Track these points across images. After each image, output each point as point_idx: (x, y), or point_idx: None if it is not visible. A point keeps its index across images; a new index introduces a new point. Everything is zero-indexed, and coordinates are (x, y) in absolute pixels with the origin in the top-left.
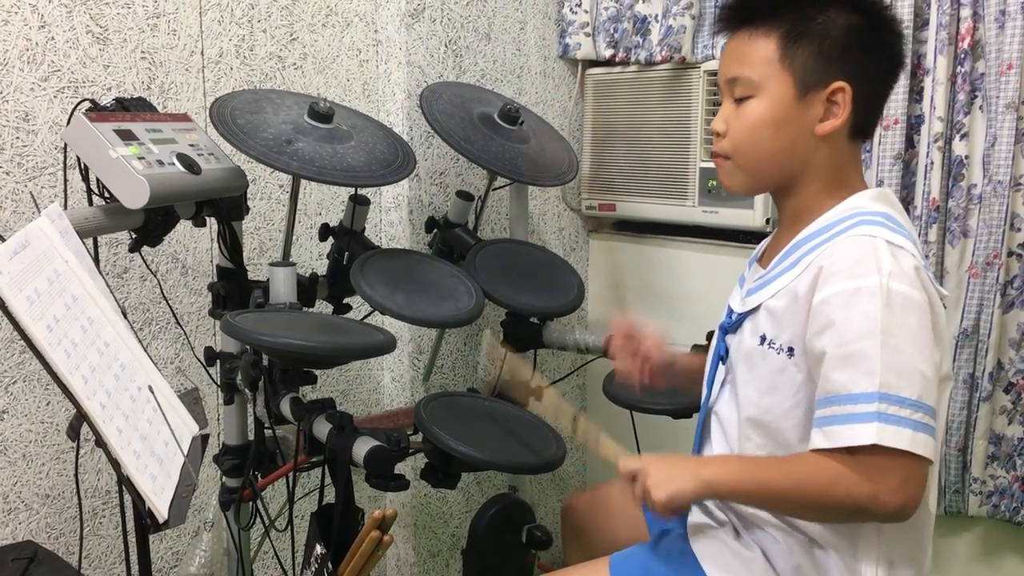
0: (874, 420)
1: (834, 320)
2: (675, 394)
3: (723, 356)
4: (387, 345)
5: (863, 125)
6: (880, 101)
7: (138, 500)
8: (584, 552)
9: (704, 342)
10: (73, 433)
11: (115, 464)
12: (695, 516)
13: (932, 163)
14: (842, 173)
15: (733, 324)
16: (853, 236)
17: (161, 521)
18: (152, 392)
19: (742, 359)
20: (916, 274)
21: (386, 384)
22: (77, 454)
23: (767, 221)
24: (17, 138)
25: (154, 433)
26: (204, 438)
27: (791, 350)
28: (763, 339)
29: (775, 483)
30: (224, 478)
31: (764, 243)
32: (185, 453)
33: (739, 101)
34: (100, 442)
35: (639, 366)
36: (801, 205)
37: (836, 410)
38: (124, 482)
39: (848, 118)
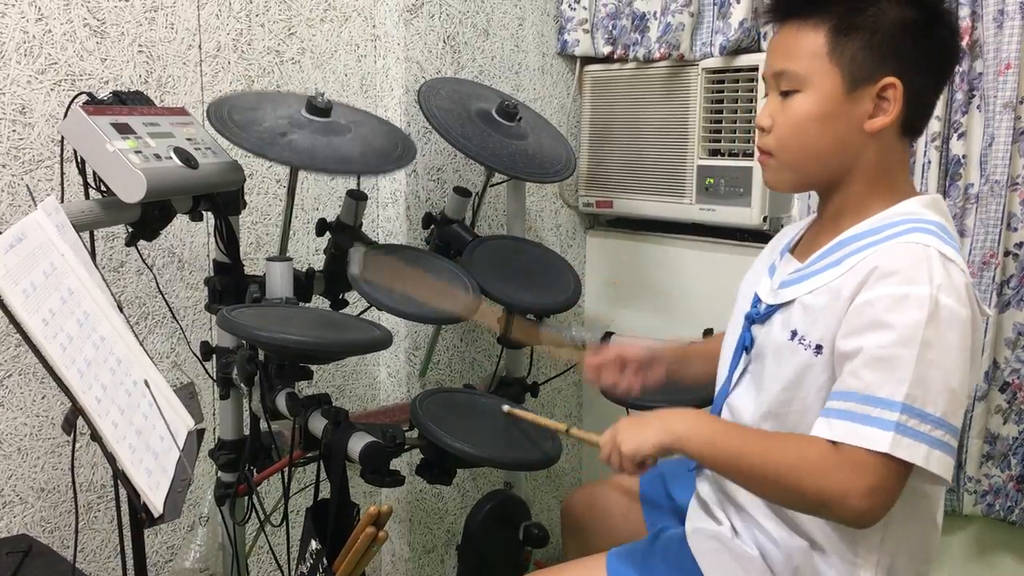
0: (892, 429)
1: (877, 321)
2: (671, 390)
3: (748, 346)
4: (383, 341)
5: (913, 123)
6: (931, 98)
7: (133, 494)
8: (583, 550)
9: (701, 340)
10: (68, 427)
11: (110, 458)
12: (693, 515)
13: (929, 162)
14: (890, 172)
15: (762, 315)
16: (907, 243)
17: (156, 515)
18: (148, 386)
19: (770, 352)
20: (965, 290)
21: (382, 380)
22: (73, 448)
23: (764, 219)
24: (14, 131)
25: (150, 427)
26: (200, 433)
27: (819, 348)
28: (794, 334)
29: (747, 452)
30: (220, 473)
31: (794, 232)
32: (181, 447)
33: (785, 96)
34: (95, 436)
35: (625, 373)
36: (845, 203)
37: (854, 407)
38: (119, 476)
39: (898, 115)
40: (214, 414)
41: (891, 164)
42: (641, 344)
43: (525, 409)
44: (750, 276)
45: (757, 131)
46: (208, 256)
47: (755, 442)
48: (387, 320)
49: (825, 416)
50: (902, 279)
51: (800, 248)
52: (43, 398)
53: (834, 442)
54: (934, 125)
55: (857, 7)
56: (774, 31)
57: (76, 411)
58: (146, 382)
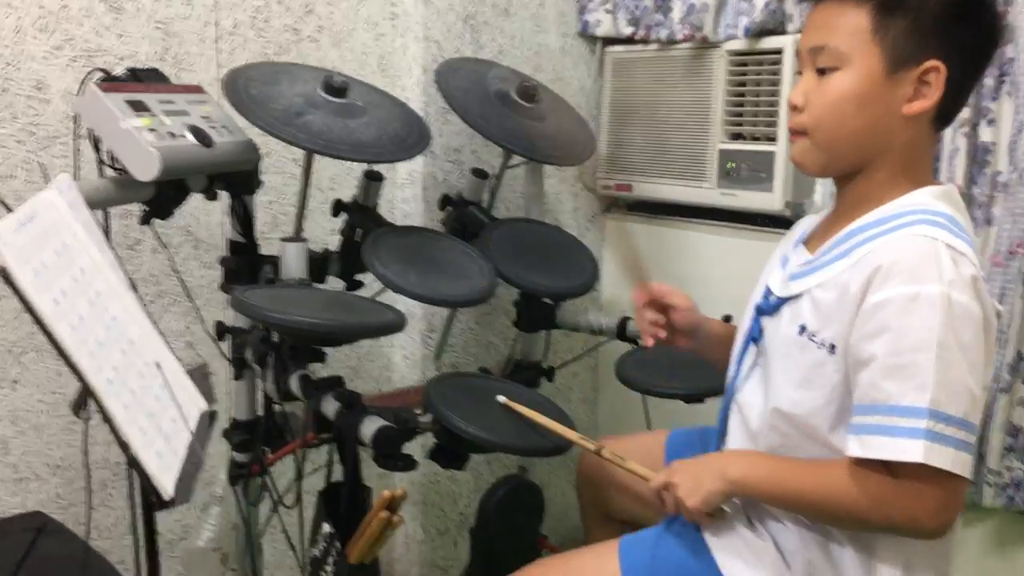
0: (922, 437)
1: (889, 326)
2: (688, 378)
3: (756, 338)
4: (397, 324)
5: (948, 110)
6: (970, 85)
7: (143, 478)
8: (599, 514)
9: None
10: (78, 409)
11: (120, 441)
12: None
13: (957, 149)
14: (916, 161)
15: (771, 307)
16: (913, 236)
17: (166, 499)
18: (159, 369)
19: (778, 346)
20: (974, 284)
21: (397, 362)
22: (86, 427)
23: (786, 205)
24: (30, 107)
25: (161, 410)
26: (212, 415)
27: (833, 347)
28: (803, 329)
29: (806, 490)
30: (233, 453)
31: (810, 223)
32: (192, 430)
33: (821, 73)
34: (106, 418)
35: (663, 320)
36: (866, 190)
37: (880, 420)
38: (130, 460)
39: (938, 101)
40: (228, 394)
41: (919, 152)
42: (693, 316)
43: (542, 406)
44: (767, 268)
45: (789, 110)
46: (223, 235)
47: (808, 475)
48: (402, 302)
49: (855, 434)
50: (910, 277)
51: (813, 239)
52: (59, 375)
53: (887, 466)
54: (963, 111)
55: None
56: (812, 6)
57: (86, 392)
58: (158, 364)
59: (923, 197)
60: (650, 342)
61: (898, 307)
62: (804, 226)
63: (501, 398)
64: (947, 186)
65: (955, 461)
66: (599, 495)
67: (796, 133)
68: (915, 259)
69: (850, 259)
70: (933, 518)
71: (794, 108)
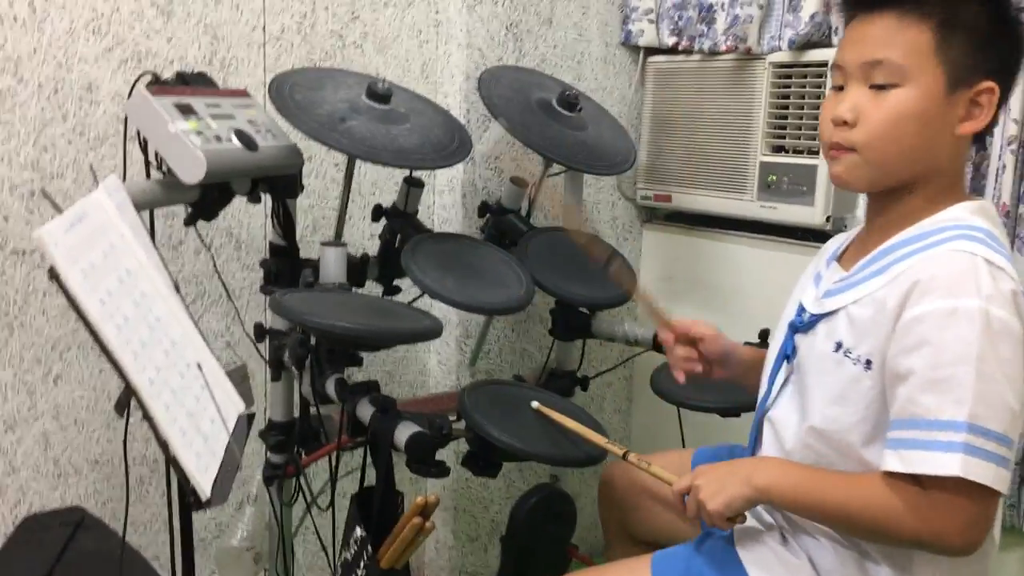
0: (960, 451)
1: (928, 340)
2: (723, 391)
3: (789, 355)
4: (433, 331)
5: (990, 127)
6: (1006, 101)
7: (182, 477)
8: (621, 528)
9: (756, 340)
10: (121, 408)
11: (161, 441)
12: None
13: (1004, 166)
14: (956, 177)
15: (806, 324)
16: (952, 251)
17: (204, 500)
18: (200, 370)
19: (813, 363)
20: (1014, 299)
21: (432, 367)
22: (127, 423)
23: (827, 219)
24: (80, 108)
25: (201, 410)
26: (250, 417)
27: (869, 363)
28: (839, 346)
29: (835, 501)
30: (269, 453)
31: (844, 240)
32: (230, 432)
33: (877, 89)
34: (147, 416)
35: (695, 354)
36: (907, 207)
37: (918, 434)
38: (170, 460)
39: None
40: (265, 395)
41: (959, 169)
42: (722, 342)
43: (573, 413)
44: (799, 285)
45: (834, 125)
46: (265, 238)
47: (838, 487)
48: (439, 308)
49: (893, 448)
50: (949, 291)
51: (847, 256)
52: (100, 372)
53: (917, 479)
54: (1011, 128)
55: (959, 4)
56: (863, 18)
57: (129, 392)
58: (199, 365)
59: (960, 212)
60: (682, 377)
61: (936, 321)
62: (837, 243)
63: (535, 403)
64: (982, 201)
65: (995, 477)
66: (622, 512)
67: (842, 149)
68: (954, 274)
69: (887, 275)
70: (960, 535)
71: (843, 123)
